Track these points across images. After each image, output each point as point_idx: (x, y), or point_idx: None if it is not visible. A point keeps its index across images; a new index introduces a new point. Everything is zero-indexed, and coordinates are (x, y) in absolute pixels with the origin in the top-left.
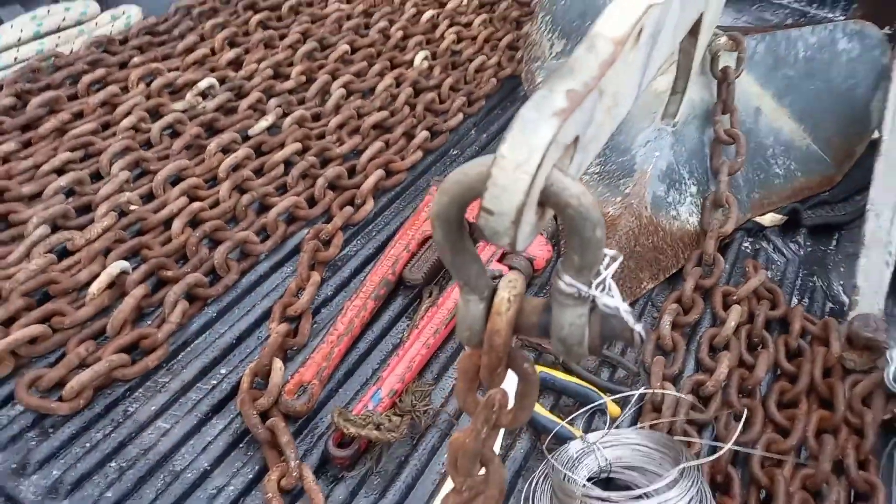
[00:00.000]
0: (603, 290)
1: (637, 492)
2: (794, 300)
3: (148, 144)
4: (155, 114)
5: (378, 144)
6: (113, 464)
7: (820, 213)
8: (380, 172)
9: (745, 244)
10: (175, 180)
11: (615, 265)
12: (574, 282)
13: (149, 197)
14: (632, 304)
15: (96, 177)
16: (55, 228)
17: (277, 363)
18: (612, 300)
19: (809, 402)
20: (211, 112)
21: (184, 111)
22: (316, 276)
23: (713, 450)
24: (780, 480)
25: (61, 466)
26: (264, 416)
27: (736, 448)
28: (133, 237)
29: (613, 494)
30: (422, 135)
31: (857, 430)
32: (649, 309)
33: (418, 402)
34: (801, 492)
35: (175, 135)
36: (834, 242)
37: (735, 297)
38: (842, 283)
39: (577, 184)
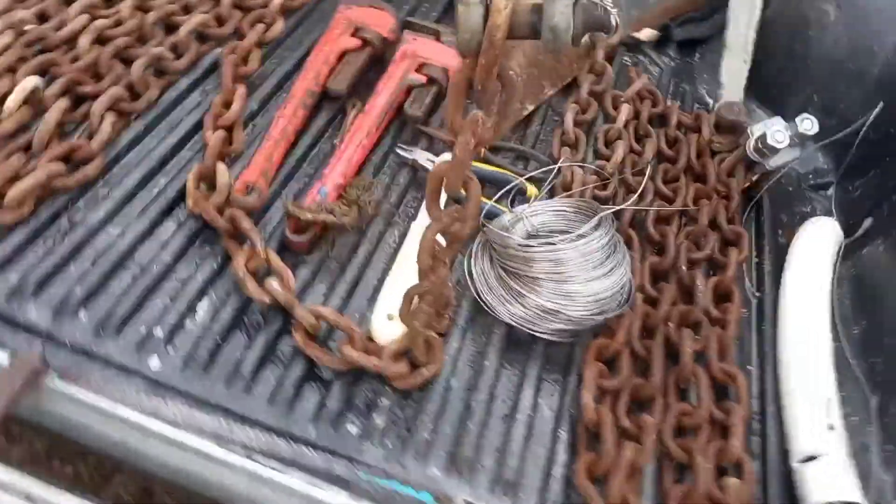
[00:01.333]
0: None
1: (566, 236)
2: (669, 102)
3: None
4: None
5: None
6: (72, 266)
7: (687, 29)
8: None
9: (626, 58)
10: (68, 2)
11: None
12: None
13: (42, 17)
14: (535, 109)
15: None
16: None
17: (221, 166)
18: None
19: (687, 179)
20: None
21: None
22: (241, 89)
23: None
24: (670, 234)
25: (19, 271)
26: (219, 212)
27: (635, 208)
28: (37, 55)
29: (554, 239)
30: None
31: (725, 196)
32: (550, 113)
33: (362, 194)
34: (686, 242)
35: None
36: (698, 55)
37: (623, 98)
38: (705, 87)
39: None
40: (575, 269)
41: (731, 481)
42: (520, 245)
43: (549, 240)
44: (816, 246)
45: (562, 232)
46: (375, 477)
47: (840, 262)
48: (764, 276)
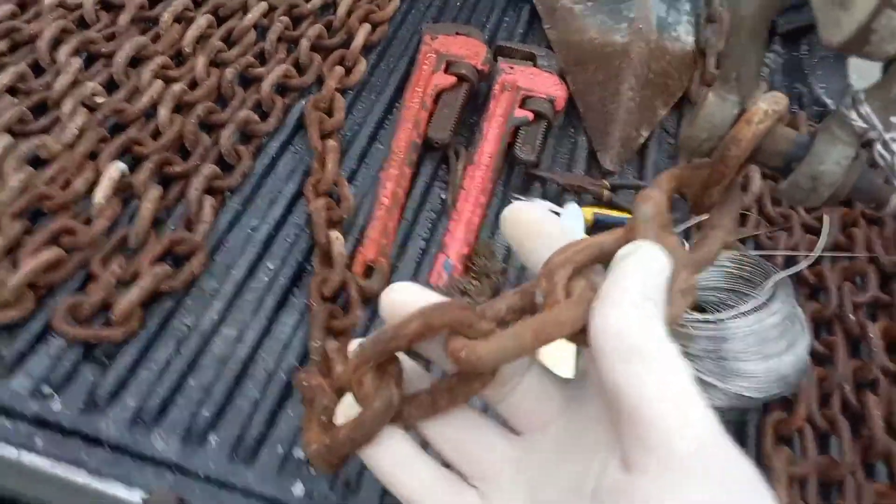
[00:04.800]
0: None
1: (743, 308)
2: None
3: (83, 24)
4: None
5: None
6: (192, 381)
7: (792, 19)
8: (366, 27)
9: None
10: (134, 62)
11: None
12: (872, 115)
13: (110, 85)
14: (651, 134)
15: (36, 69)
16: (15, 137)
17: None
18: None
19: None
20: None
21: None
22: (332, 143)
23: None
24: (826, 273)
25: (136, 395)
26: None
27: (824, 255)
28: (114, 134)
29: (722, 315)
30: None
31: (872, 220)
32: (662, 135)
33: (489, 262)
34: (843, 283)
35: (112, 8)
36: (805, 47)
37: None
38: (822, 86)
39: None
40: (746, 347)
41: None
42: (685, 320)
43: (712, 316)
44: None
45: (720, 290)
46: None
47: None
48: None
